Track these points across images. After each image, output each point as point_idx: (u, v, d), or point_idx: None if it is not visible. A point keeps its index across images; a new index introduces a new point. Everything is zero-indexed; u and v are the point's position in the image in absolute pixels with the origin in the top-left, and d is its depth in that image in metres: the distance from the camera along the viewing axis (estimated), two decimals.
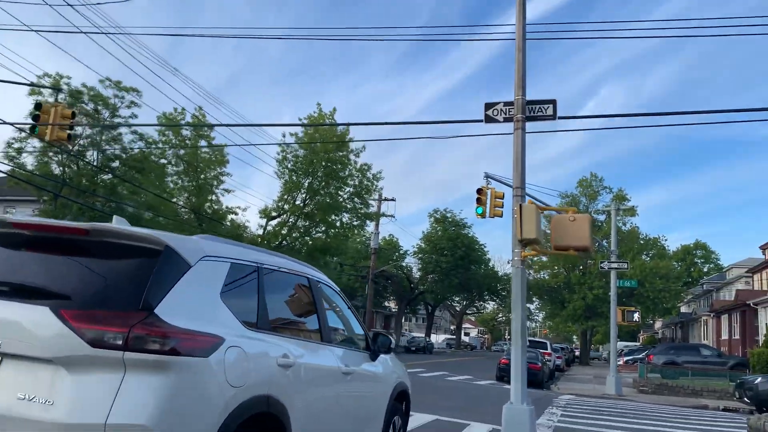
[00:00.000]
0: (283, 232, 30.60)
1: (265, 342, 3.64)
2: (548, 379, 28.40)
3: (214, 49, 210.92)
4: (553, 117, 8.42)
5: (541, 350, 29.37)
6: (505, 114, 8.59)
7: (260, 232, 30.82)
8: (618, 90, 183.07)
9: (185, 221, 29.59)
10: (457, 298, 69.75)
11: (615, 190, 53.06)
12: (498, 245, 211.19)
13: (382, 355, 5.65)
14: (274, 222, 30.68)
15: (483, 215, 19.50)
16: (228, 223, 29.90)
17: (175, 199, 30.25)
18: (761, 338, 33.13)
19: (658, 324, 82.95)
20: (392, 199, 50.14)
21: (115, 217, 3.63)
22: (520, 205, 7.63)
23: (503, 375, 25.47)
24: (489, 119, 8.71)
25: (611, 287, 23.19)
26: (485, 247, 60.50)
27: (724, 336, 42.78)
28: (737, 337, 38.88)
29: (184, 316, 3.04)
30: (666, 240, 62.12)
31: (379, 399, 5.42)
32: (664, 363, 30.07)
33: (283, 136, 30.04)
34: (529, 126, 8.63)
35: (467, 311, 78.61)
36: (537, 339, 37.25)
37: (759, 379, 18.33)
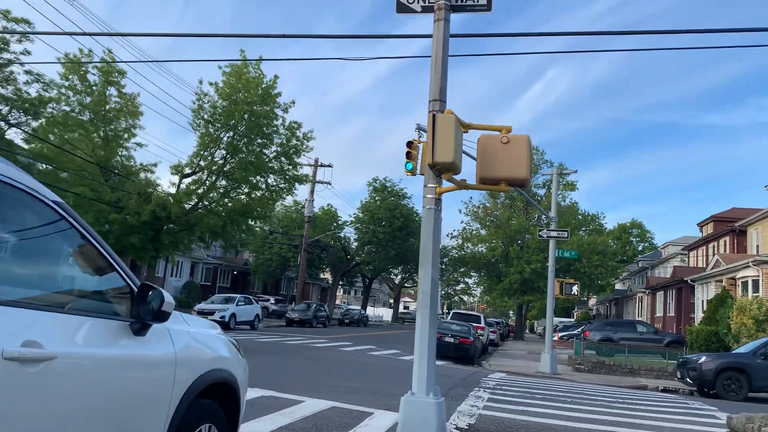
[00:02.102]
0: (199, 191, 27.67)
1: None
2: (480, 354, 26.79)
3: (162, 8, 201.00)
4: (487, 8, 6.16)
5: (474, 324, 27.73)
6: (424, 2, 6.27)
7: (173, 190, 27.80)
8: (564, 73, 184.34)
9: (90, 175, 26.35)
10: (395, 271, 68.04)
11: (556, 164, 51.98)
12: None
13: (170, 325, 3.31)
14: (188, 180, 27.68)
15: (413, 172, 17.21)
16: (135, 179, 26.76)
17: (80, 153, 26.90)
18: (697, 315, 32.49)
19: (592, 301, 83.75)
20: (329, 165, 47.70)
21: None
22: (433, 116, 5.36)
23: None
24: (403, 8, 6.40)
25: (549, 257, 21.52)
26: None
27: (659, 313, 42.43)
28: (672, 314, 38.42)
29: None
30: (605, 217, 61.77)
31: (151, 399, 3.07)
32: (600, 339, 28.99)
33: (200, 83, 26.96)
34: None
35: (406, 284, 77.10)
36: (470, 312, 35.71)
37: (703, 359, 16.94)
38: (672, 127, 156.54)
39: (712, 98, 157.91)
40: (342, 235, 57.48)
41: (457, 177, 5.77)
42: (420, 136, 17.81)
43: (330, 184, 47.39)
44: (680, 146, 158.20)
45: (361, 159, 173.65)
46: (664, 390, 18.77)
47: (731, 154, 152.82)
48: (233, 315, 29.67)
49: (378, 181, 54.17)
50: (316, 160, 46.57)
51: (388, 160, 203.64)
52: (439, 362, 21.94)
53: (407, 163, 17.37)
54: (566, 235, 21.59)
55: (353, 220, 54.74)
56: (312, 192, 46.61)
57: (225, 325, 28.69)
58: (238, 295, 32.95)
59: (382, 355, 20.66)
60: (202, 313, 28.95)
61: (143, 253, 27.09)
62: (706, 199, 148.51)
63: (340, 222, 57.69)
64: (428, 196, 5.95)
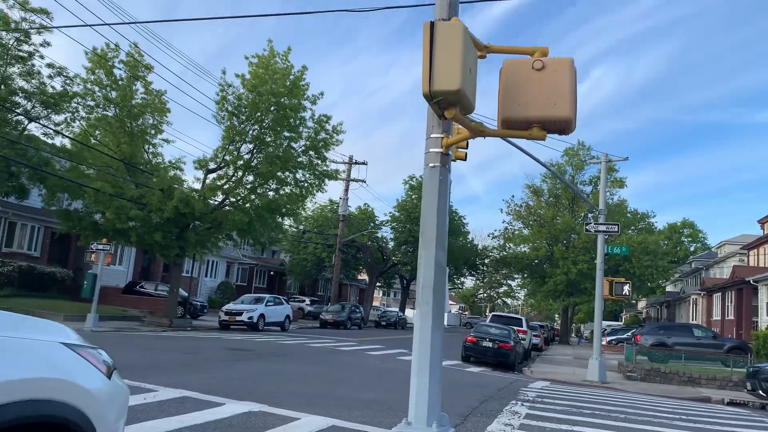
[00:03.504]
0: (224, 187, 26.54)
1: None
2: (522, 360, 24.90)
3: (209, 23, 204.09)
4: None
5: (515, 327, 25.84)
6: None
7: (197, 186, 26.76)
8: (610, 72, 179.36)
9: (114, 171, 25.56)
10: None
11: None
12: (478, 220, 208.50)
13: None
14: (213, 175, 26.59)
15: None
16: (158, 176, 25.79)
17: (105, 148, 26.17)
18: (761, 318, 29.82)
19: (641, 304, 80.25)
20: (363, 163, 46.27)
21: None
22: (431, 24, 3.75)
23: (469, 355, 21.97)
24: None
25: (598, 254, 19.54)
26: (465, 218, 56.58)
27: (716, 316, 39.52)
28: (731, 317, 35.59)
29: None
30: (654, 216, 58.61)
31: None
32: (653, 344, 26.67)
33: (223, 73, 25.84)
34: None
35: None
36: (511, 315, 33.71)
37: None
38: (720, 127, 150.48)
39: (761, 96, 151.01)
40: (379, 235, 55.97)
41: (471, 123, 4.16)
42: None
43: (365, 182, 46.03)
44: (729, 146, 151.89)
45: (402, 162, 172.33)
46: (731, 403, 16.61)
47: None
48: (262, 315, 28.44)
49: (414, 179, 52.51)
50: (350, 158, 45.26)
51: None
52: (476, 368, 20.28)
53: None
54: (616, 230, 19.58)
55: (389, 219, 53.17)
56: (346, 190, 45.30)
57: (253, 326, 27.56)
58: (268, 295, 31.76)
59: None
60: (230, 314, 27.90)
61: (168, 251, 26.12)
62: (759, 199, 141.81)
63: (377, 222, 56.16)
64: (431, 150, 4.34)
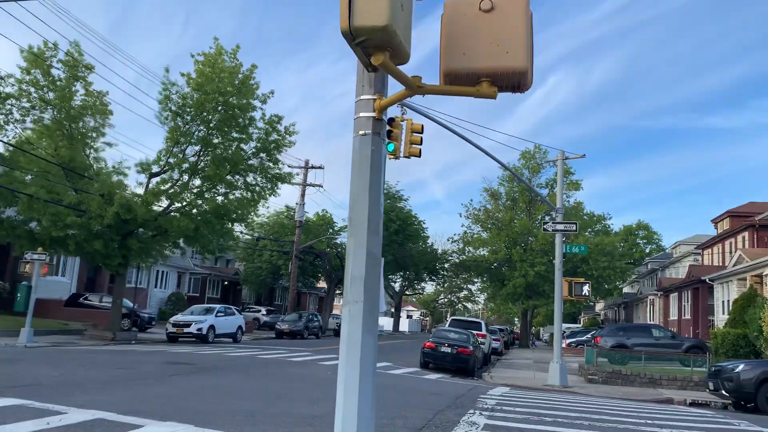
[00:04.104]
0: (170, 191, 25.24)
1: None
2: (482, 365, 24.28)
3: (164, 24, 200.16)
4: None
5: (475, 331, 25.22)
6: None
7: (141, 191, 25.39)
8: (565, 79, 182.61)
9: (53, 177, 24.02)
10: (395, 279, 65.42)
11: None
12: (439, 226, 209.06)
13: None
14: (157, 179, 25.25)
15: (395, 154, 14.81)
16: (98, 180, 24.32)
17: (41, 150, 24.65)
18: (717, 317, 29.92)
19: (599, 306, 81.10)
20: (320, 167, 45.22)
21: None
22: None
23: (428, 361, 21.22)
24: None
25: (556, 254, 19.05)
26: (424, 223, 56.00)
27: (673, 316, 39.80)
28: (688, 316, 35.80)
29: None
30: (611, 218, 59.14)
31: None
32: (613, 346, 26.40)
33: (167, 71, 24.60)
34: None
35: (406, 292, 74.40)
36: (470, 319, 33.08)
37: (741, 367, 14.42)
38: (672, 132, 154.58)
39: (711, 102, 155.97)
40: (338, 241, 54.93)
41: (408, 76, 3.35)
42: (404, 113, 15.44)
43: (321, 186, 45.19)
44: (680, 150, 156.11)
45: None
46: (693, 403, 16.23)
47: (733, 156, 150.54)
48: (212, 327, 27.16)
49: None
50: (307, 162, 44.24)
51: (391, 169, 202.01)
52: (434, 375, 19.50)
53: (388, 143, 14.97)
54: (574, 228, 19.11)
55: (347, 224, 52.26)
56: (303, 195, 44.23)
57: (203, 338, 26.29)
58: (218, 306, 30.45)
59: None
60: (178, 325, 26.56)
61: (110, 260, 24.69)
62: (711, 201, 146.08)
63: (336, 228, 55.09)
64: (361, 114, 3.52)
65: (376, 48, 3.06)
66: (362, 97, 3.55)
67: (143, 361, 14.68)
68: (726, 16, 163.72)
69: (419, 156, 15.12)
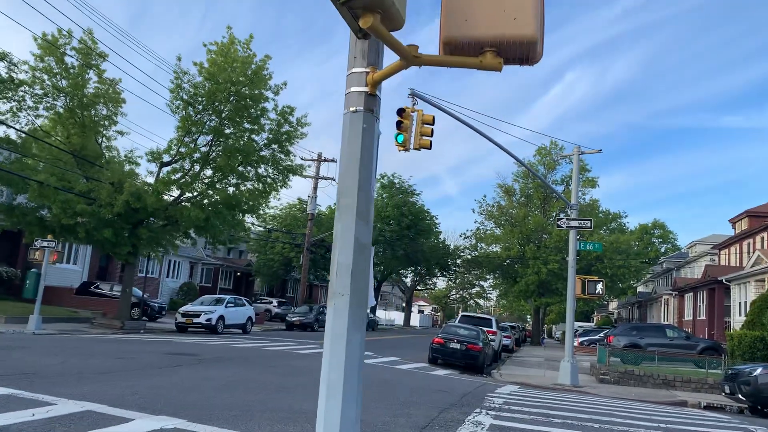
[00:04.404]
0: (181, 181, 25.09)
1: None
2: (491, 362, 23.94)
3: (182, 18, 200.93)
4: None
5: (485, 328, 24.88)
6: None
7: (152, 180, 25.27)
8: (583, 76, 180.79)
9: (64, 165, 23.98)
10: (405, 273, 65.14)
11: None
12: (452, 222, 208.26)
13: None
14: (168, 168, 25.11)
15: (405, 146, 14.52)
16: (109, 168, 24.21)
17: (53, 140, 24.66)
18: (733, 318, 29.32)
19: (613, 305, 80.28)
20: (332, 160, 44.96)
21: None
22: None
23: (437, 357, 20.93)
24: None
25: (570, 250, 18.63)
26: (436, 218, 55.64)
27: (688, 316, 39.15)
28: (703, 317, 35.16)
29: None
30: (626, 216, 58.42)
31: None
32: (626, 345, 25.94)
33: (179, 59, 24.41)
34: None
35: (418, 287, 74.07)
36: (481, 315, 32.70)
37: (759, 370, 13.95)
38: (689, 131, 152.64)
39: (729, 102, 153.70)
40: None
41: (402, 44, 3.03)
42: (415, 104, 15.10)
43: (334, 180, 44.61)
44: (697, 149, 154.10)
45: (379, 163, 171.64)
46: (708, 407, 15.79)
47: (751, 157, 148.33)
48: (221, 317, 27.04)
49: (386, 177, 51.49)
50: (320, 155, 43.99)
51: (404, 164, 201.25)
52: (443, 371, 19.19)
53: (398, 134, 14.63)
54: (589, 225, 18.66)
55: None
56: (315, 188, 44.00)
57: (212, 329, 26.19)
58: (228, 296, 30.33)
59: (375, 363, 17.87)
60: (187, 315, 26.47)
61: (119, 248, 24.61)
62: (727, 202, 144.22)
63: None
64: (353, 89, 3.20)
65: (365, 9, 2.74)
66: (354, 70, 3.24)
67: (146, 351, 14.52)
68: (744, 16, 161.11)
69: (430, 148, 14.80)
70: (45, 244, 22.20)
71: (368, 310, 3.25)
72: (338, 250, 3.11)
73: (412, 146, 14.46)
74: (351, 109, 3.20)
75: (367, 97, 3.20)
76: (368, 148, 3.19)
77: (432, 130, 14.47)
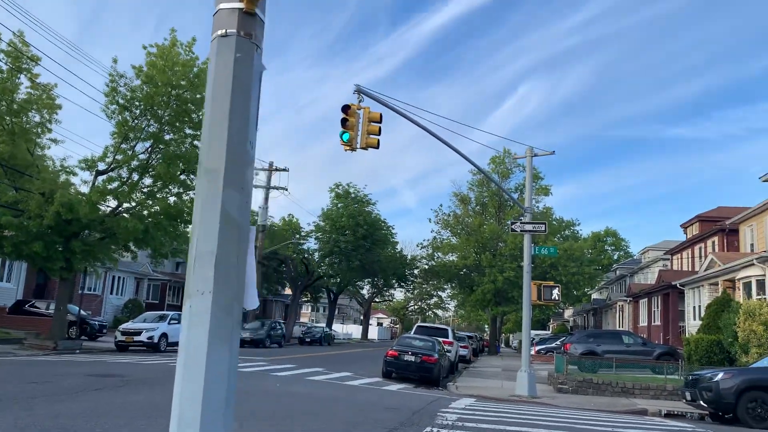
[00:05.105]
0: (119, 190, 23.62)
1: None
2: (447, 373, 23.13)
3: (132, 31, 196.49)
4: None
5: (441, 338, 24.10)
6: None
7: (85, 189, 23.74)
8: (535, 88, 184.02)
9: None
10: (363, 285, 64.08)
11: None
12: (410, 233, 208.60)
13: None
14: (104, 177, 23.63)
15: (351, 145, 13.63)
16: (40, 178, 22.61)
17: None
18: (688, 323, 29.29)
19: (568, 312, 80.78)
20: (284, 169, 43.73)
21: None
22: None
23: (391, 371, 20.01)
24: None
25: (525, 255, 18.01)
26: (393, 228, 54.80)
27: (643, 322, 39.23)
28: (658, 322, 35.19)
29: None
30: (579, 224, 58.79)
31: None
32: (583, 353, 25.54)
33: (114, 62, 23.08)
34: None
35: (375, 299, 73.05)
36: (436, 326, 31.94)
37: (720, 375, 13.46)
38: (640, 141, 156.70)
39: (677, 112, 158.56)
40: (305, 247, 53.39)
41: None
42: (361, 101, 14.24)
43: (286, 189, 43.42)
44: (649, 159, 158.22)
45: (334, 177, 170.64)
46: (669, 415, 15.28)
47: (699, 165, 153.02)
48: (164, 335, 25.60)
49: (341, 187, 50.53)
50: (271, 164, 42.75)
51: (363, 176, 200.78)
52: (396, 386, 18.20)
53: (343, 133, 13.72)
54: (543, 229, 18.09)
55: (313, 229, 50.73)
56: (266, 198, 42.69)
57: (154, 347, 24.71)
58: (172, 312, 28.81)
59: (323, 380, 16.83)
60: (127, 333, 24.95)
61: (51, 263, 22.96)
62: (678, 210, 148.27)
63: (302, 233, 53.53)
64: (222, 5, 2.31)
65: None
66: None
67: (68, 374, 13.18)
68: (692, 29, 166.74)
69: (377, 147, 13.94)
70: None
71: (247, 314, 2.34)
72: (198, 229, 2.18)
73: (358, 145, 13.61)
74: (220, 32, 2.30)
75: (242, 15, 2.31)
76: (243, 87, 2.29)
77: (379, 128, 13.66)
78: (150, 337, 24.79)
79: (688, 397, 14.29)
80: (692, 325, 27.99)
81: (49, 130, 24.49)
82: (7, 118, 22.80)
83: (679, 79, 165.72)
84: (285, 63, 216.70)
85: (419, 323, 35.49)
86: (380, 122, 13.58)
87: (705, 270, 26.92)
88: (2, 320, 28.80)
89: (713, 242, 33.47)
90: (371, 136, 13.53)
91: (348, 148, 13.50)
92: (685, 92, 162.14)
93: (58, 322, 24.12)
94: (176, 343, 26.35)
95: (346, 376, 18.59)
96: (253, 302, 2.28)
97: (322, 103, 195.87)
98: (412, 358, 19.82)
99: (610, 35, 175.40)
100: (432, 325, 34.01)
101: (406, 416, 10.32)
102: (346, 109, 13.36)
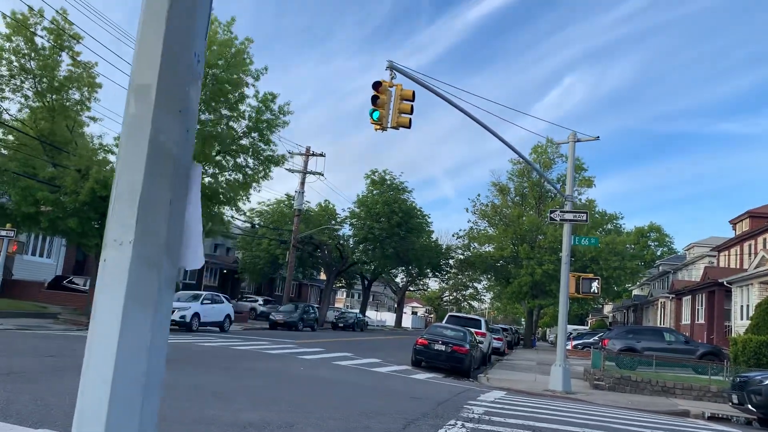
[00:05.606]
0: None
1: None
2: (479, 365, 22.55)
3: None
4: None
5: (474, 329, 23.49)
6: None
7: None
8: (581, 80, 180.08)
9: (29, 149, 22.59)
10: (398, 274, 63.59)
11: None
12: (448, 224, 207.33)
13: None
14: None
15: (381, 124, 13.10)
16: (75, 154, 22.73)
17: (18, 122, 23.32)
18: (734, 322, 27.99)
19: (608, 308, 78.98)
20: (321, 154, 43.56)
21: None
22: None
23: (420, 359, 19.52)
24: None
25: (563, 246, 17.24)
26: (428, 217, 54.03)
27: (685, 320, 37.82)
28: (702, 321, 33.82)
29: None
30: (622, 218, 57.03)
31: None
32: (621, 349, 24.59)
33: None
34: None
35: (410, 288, 72.50)
36: (469, 316, 31.24)
37: None
38: (687, 136, 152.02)
39: (726, 108, 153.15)
40: (340, 233, 53.12)
41: None
42: (393, 77, 13.69)
43: (322, 174, 43.19)
44: (695, 155, 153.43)
45: (375, 166, 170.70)
46: (712, 417, 14.42)
47: (748, 162, 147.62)
48: (196, 314, 25.59)
49: (377, 173, 49.98)
50: (308, 149, 42.58)
51: (401, 166, 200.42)
52: (424, 375, 17.73)
53: (373, 111, 13.17)
54: (584, 218, 17.28)
55: (348, 215, 50.40)
56: (303, 183, 42.58)
57: (187, 326, 24.75)
58: (205, 293, 28.86)
59: (349, 365, 16.45)
60: None
61: (86, 240, 23.16)
62: (723, 207, 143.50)
63: (338, 219, 53.28)
64: None
65: None
66: None
67: None
68: (742, 23, 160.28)
69: (409, 127, 13.34)
70: (3, 233, 20.82)
71: (185, 274, 1.84)
72: (120, 166, 1.69)
73: (389, 124, 13.06)
74: None
75: None
76: None
77: (412, 107, 13.08)
78: (182, 317, 24.81)
79: (735, 400, 13.41)
80: (739, 324, 26.71)
81: (88, 108, 24.71)
82: (48, 95, 23.03)
83: (726, 74, 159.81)
84: (330, 49, 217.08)
85: (451, 313, 34.93)
86: (413, 100, 13.00)
87: (755, 267, 25.58)
88: (41, 295, 29.31)
89: (765, 239, 31.89)
90: (403, 115, 12.97)
91: (378, 127, 12.97)
92: (733, 87, 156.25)
93: (92, 298, 24.33)
94: (210, 323, 26.53)
95: (374, 363, 18.19)
96: (195, 260, 1.79)
97: (363, 93, 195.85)
98: (443, 348, 19.30)
99: (655, 28, 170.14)
100: (464, 315, 33.35)
101: (430, 407, 9.81)
102: (377, 86, 12.82)
